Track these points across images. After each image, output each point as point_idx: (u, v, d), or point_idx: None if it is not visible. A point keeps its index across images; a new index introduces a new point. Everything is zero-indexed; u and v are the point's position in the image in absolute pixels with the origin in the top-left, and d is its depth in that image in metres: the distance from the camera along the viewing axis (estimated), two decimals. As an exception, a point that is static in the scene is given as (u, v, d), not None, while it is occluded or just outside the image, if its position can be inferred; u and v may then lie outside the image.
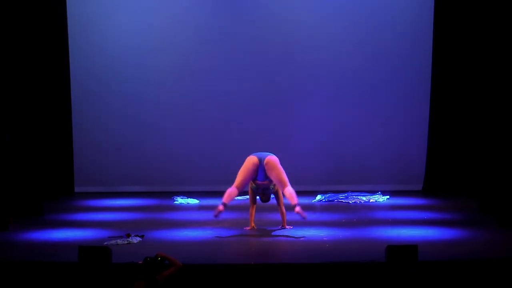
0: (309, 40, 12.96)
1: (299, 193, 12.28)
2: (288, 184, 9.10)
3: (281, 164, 12.87)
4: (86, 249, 7.17)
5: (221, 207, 9.09)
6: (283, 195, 9.18)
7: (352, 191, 12.16)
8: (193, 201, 11.80)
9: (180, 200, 11.81)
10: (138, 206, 11.43)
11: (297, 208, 8.89)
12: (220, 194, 11.89)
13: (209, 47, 12.97)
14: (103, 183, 12.95)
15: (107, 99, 12.98)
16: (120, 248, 8.11)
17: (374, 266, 7.24)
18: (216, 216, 9.13)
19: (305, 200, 11.81)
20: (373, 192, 12.08)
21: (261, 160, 9.16)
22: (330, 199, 11.80)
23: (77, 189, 12.73)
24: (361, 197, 11.81)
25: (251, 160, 9.24)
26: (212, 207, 11.11)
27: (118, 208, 11.21)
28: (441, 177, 12.42)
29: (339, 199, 11.79)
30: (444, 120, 12.39)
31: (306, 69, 12.99)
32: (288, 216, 9.47)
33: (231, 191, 9.18)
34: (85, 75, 12.88)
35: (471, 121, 11.83)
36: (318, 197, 11.89)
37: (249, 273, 7.24)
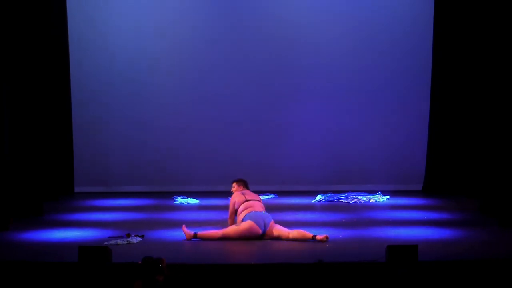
0: (309, 40, 12.95)
1: (299, 193, 12.40)
2: (289, 229, 8.73)
3: (281, 163, 13.04)
4: (86, 249, 7.17)
5: (189, 236, 8.65)
6: (291, 240, 8.62)
7: (352, 191, 12.16)
8: (193, 201, 11.80)
9: (180, 200, 11.81)
10: (138, 206, 11.43)
11: (318, 236, 8.52)
12: (220, 194, 11.98)
13: (210, 47, 12.97)
14: (103, 183, 12.94)
15: (107, 99, 12.97)
16: (120, 248, 8.11)
17: (374, 266, 7.24)
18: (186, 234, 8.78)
19: (305, 200, 11.84)
20: (373, 192, 12.07)
21: (263, 232, 8.70)
22: (330, 199, 11.80)
23: (77, 189, 12.72)
24: (361, 197, 11.81)
25: (253, 230, 8.64)
26: (212, 207, 11.18)
27: (118, 208, 11.21)
28: (441, 177, 12.41)
29: (339, 199, 11.79)
30: (444, 120, 12.38)
31: (306, 69, 12.99)
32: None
33: (213, 236, 8.67)
34: (85, 75, 12.87)
35: (471, 121, 11.83)
36: (318, 197, 11.89)
37: (249, 273, 7.24)
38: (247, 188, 9.39)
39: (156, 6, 12.97)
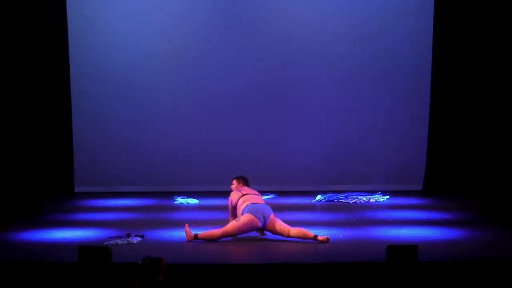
0: (309, 40, 12.97)
1: (299, 193, 12.41)
2: (290, 226, 8.66)
3: (281, 163, 13.04)
4: (86, 249, 7.17)
5: (190, 237, 8.54)
6: (292, 237, 8.55)
7: (352, 191, 12.16)
8: (193, 201, 11.80)
9: (180, 200, 11.82)
10: (138, 206, 11.43)
11: (320, 237, 8.43)
12: (220, 194, 11.97)
13: (209, 48, 12.98)
14: (103, 183, 12.95)
15: (107, 99, 12.99)
16: (120, 248, 8.10)
17: (374, 266, 7.23)
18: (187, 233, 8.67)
19: (305, 200, 11.85)
20: (373, 192, 12.08)
21: (263, 225, 8.60)
22: (330, 199, 11.80)
23: (77, 189, 12.73)
24: (361, 197, 11.81)
25: (253, 223, 8.55)
26: (212, 207, 11.19)
27: (118, 208, 11.21)
28: (441, 177, 12.42)
29: (339, 199, 11.79)
30: (444, 120, 12.39)
31: (305, 69, 12.99)
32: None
33: (214, 235, 8.57)
34: (85, 76, 12.89)
35: (471, 121, 11.83)
36: (318, 197, 11.89)
37: (249, 273, 7.23)
38: (247, 185, 9.34)
39: (156, 6, 12.98)
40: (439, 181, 12.45)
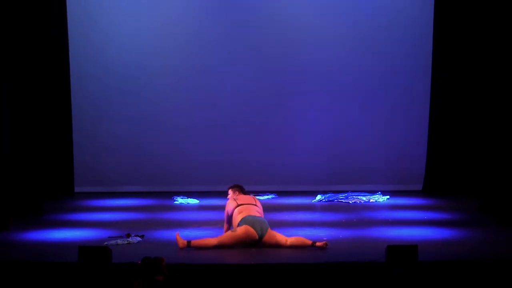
0: (309, 40, 12.95)
1: (299, 193, 12.41)
2: (286, 237, 8.40)
3: (281, 163, 13.03)
4: (86, 249, 7.17)
5: (183, 244, 8.22)
6: (289, 246, 8.31)
7: (352, 191, 12.15)
8: (193, 201, 11.80)
9: (180, 200, 11.82)
10: (138, 206, 11.43)
11: (318, 243, 8.20)
12: (220, 194, 11.94)
13: (209, 47, 12.96)
14: (103, 183, 12.94)
15: (107, 99, 12.97)
16: (120, 248, 8.11)
17: (374, 266, 7.24)
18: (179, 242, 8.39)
19: (305, 200, 11.84)
20: (373, 192, 12.07)
21: (260, 237, 8.31)
22: (330, 199, 11.80)
23: (77, 189, 12.72)
24: (361, 197, 11.81)
25: (250, 233, 8.25)
26: (212, 207, 11.19)
27: (118, 208, 11.21)
28: (441, 177, 12.41)
29: (339, 199, 11.79)
30: (444, 120, 12.38)
31: (305, 69, 12.98)
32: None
33: (208, 244, 8.28)
34: (85, 75, 12.87)
35: (471, 121, 11.83)
36: (318, 197, 11.88)
37: (249, 273, 7.24)
38: (243, 193, 9.06)
39: (156, 6, 12.97)
40: (439, 181, 12.45)
